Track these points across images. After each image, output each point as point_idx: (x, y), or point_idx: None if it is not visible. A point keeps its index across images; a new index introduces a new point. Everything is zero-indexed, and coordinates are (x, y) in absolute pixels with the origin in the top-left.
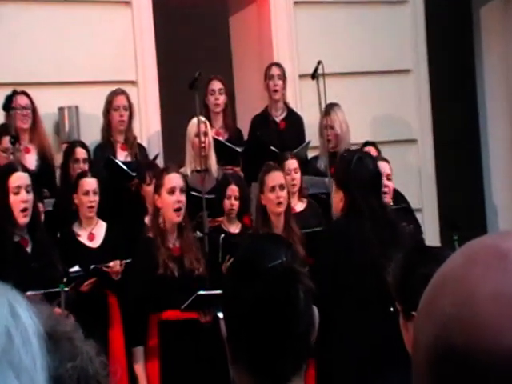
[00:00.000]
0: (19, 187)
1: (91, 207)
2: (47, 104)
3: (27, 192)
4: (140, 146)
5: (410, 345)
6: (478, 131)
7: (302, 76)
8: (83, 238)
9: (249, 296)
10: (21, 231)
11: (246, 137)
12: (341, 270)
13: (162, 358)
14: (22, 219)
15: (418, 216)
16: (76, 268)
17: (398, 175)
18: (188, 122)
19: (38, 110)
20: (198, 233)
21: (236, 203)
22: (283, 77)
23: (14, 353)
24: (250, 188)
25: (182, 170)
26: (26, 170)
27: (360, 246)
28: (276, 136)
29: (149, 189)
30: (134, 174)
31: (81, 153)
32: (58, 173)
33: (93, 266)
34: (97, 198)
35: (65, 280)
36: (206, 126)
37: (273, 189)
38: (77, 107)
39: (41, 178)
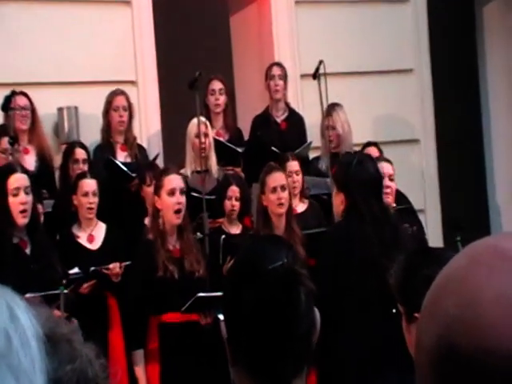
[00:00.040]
0: (18, 189)
1: (91, 208)
2: (46, 104)
3: (26, 193)
4: (140, 147)
5: (413, 347)
6: (480, 131)
7: (303, 76)
8: (83, 240)
9: (250, 298)
10: (20, 233)
11: (246, 137)
12: (341, 271)
13: (163, 360)
14: (21, 220)
15: (421, 217)
16: (75, 270)
17: (401, 176)
18: (188, 123)
19: (37, 110)
20: (199, 234)
21: (237, 204)
22: (284, 77)
23: (13, 355)
24: (251, 189)
25: (182, 170)
26: (25, 171)
27: (361, 247)
28: (277, 136)
29: (149, 190)
30: (133, 175)
31: (80, 153)
32: (57, 174)
33: (92, 268)
34: (96, 199)
35: (64, 282)
36: (206, 127)
37: (274, 189)
38: (76, 107)
39: (40, 179)
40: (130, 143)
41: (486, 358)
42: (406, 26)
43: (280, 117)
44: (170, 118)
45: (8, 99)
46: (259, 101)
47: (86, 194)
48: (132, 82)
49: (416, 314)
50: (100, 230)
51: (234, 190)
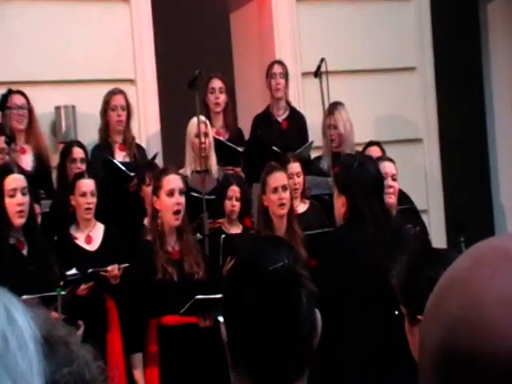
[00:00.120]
0: (15, 190)
1: (88, 209)
2: (43, 103)
3: (23, 194)
4: (139, 147)
5: (415, 349)
6: (485, 130)
7: (304, 74)
8: (80, 241)
9: (250, 299)
10: (17, 233)
11: (247, 137)
12: (343, 273)
13: (162, 363)
14: (18, 220)
15: (424, 217)
16: (73, 271)
17: (404, 176)
18: (188, 122)
19: (34, 109)
20: (198, 235)
21: (237, 204)
22: (285, 75)
23: (10, 357)
24: (251, 189)
25: (181, 170)
26: (21, 171)
27: (362, 249)
28: (278, 136)
29: (148, 190)
30: (132, 175)
31: (78, 152)
32: (54, 174)
33: (90, 270)
34: (94, 199)
35: (62, 283)
36: (206, 126)
37: (275, 190)
38: (74, 106)
39: (37, 179)
40: (129, 143)
41: (489, 360)
42: (408, 23)
43: (281, 116)
44: (169, 118)
45: (4, 98)
46: (260, 99)
47: (83, 194)
48: (131, 81)
49: (419, 316)
50: (98, 231)
51: (234, 190)
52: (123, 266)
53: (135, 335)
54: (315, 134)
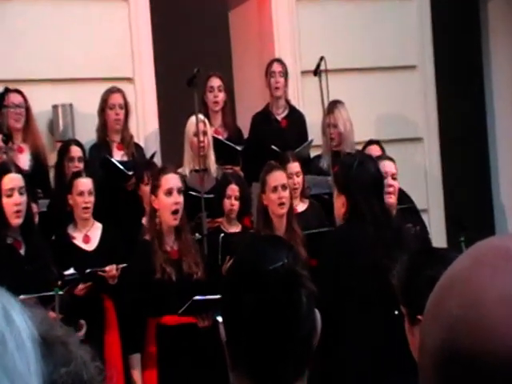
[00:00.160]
0: (12, 189)
1: (86, 208)
2: (40, 102)
3: (20, 194)
4: (137, 146)
5: (416, 349)
6: (485, 129)
7: (303, 72)
8: (78, 241)
9: (249, 299)
10: (14, 233)
11: (246, 135)
12: (343, 273)
13: (160, 364)
14: (15, 220)
15: (424, 216)
16: (71, 271)
17: (403, 175)
18: (186, 121)
19: (31, 108)
20: (197, 235)
21: (236, 203)
22: (285, 73)
23: (8, 357)
24: (251, 188)
25: (180, 169)
26: (19, 170)
27: (362, 248)
28: (277, 134)
29: (147, 189)
30: (130, 174)
31: (76, 151)
32: (52, 173)
33: (88, 270)
34: (92, 198)
35: (59, 283)
36: (205, 125)
37: (275, 189)
38: (71, 105)
39: (34, 179)
40: (127, 142)
41: (490, 359)
42: (409, 21)
43: (280, 114)
44: (167, 116)
45: (1, 96)
46: (259, 98)
47: (81, 194)
48: (129, 79)
49: (419, 316)
50: (96, 231)
51: (233, 189)
52: (121, 266)
53: (133, 335)
54: (315, 133)
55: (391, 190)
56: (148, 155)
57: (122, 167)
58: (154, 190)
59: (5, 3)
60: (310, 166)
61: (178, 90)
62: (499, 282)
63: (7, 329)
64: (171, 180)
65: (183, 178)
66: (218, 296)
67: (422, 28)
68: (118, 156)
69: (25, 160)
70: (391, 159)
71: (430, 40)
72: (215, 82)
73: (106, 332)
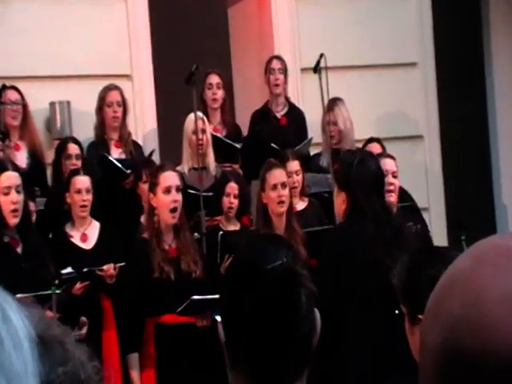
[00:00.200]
0: (9, 188)
1: (84, 206)
2: (38, 99)
3: (17, 192)
4: (135, 144)
5: (416, 348)
6: (486, 127)
7: (303, 70)
8: (76, 239)
9: (249, 298)
10: (11, 231)
11: (245, 133)
12: (342, 272)
13: (159, 363)
14: (12, 220)
15: (425, 215)
16: (68, 269)
17: (404, 173)
18: (185, 118)
19: (28, 105)
20: (196, 235)
21: (235, 201)
22: (284, 70)
23: (4, 356)
24: (250, 186)
25: (179, 167)
26: (16, 168)
27: (362, 248)
28: (277, 132)
29: (145, 187)
30: (128, 172)
31: (73, 149)
32: (49, 171)
33: (85, 270)
34: (90, 196)
35: (56, 282)
36: (203, 123)
37: (274, 187)
38: (69, 102)
39: (32, 177)
40: (125, 140)
41: (492, 359)
42: (409, 18)
43: (280, 112)
44: (166, 114)
45: None
46: (258, 95)
47: (79, 192)
48: (127, 76)
49: (419, 316)
50: (94, 229)
51: (232, 187)
52: (119, 265)
53: (131, 335)
54: (314, 131)
55: (392, 188)
56: (146, 153)
57: (119, 165)
58: (153, 187)
59: (4, 1)
60: (309, 164)
61: (177, 87)
62: (501, 280)
63: (4, 328)
64: (170, 178)
65: (181, 175)
66: (216, 296)
67: (423, 25)
68: (116, 154)
69: (22, 158)
70: (392, 157)
71: (431, 37)
72: (214, 79)
73: (103, 331)
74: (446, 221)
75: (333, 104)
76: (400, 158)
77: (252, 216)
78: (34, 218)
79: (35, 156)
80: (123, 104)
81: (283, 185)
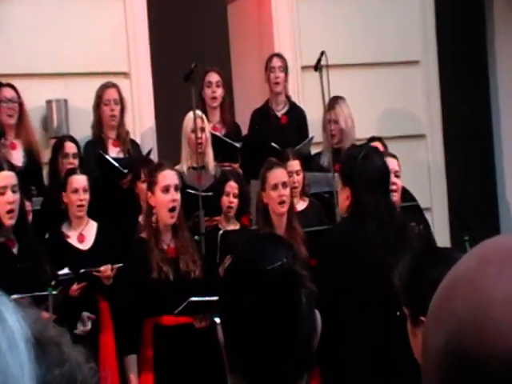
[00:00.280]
0: (5, 187)
1: (81, 206)
2: (34, 97)
3: (13, 192)
4: (133, 142)
5: (418, 351)
6: (490, 125)
7: (304, 68)
8: (73, 240)
9: (248, 300)
10: (6, 232)
11: (245, 132)
12: (341, 273)
13: (157, 366)
14: (8, 221)
15: (427, 215)
16: (65, 270)
17: (406, 172)
18: (183, 117)
19: (24, 103)
20: (196, 237)
21: (235, 201)
22: (285, 68)
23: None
24: (249, 186)
25: (177, 166)
26: (12, 167)
27: (363, 248)
28: (277, 131)
29: (143, 186)
30: (125, 171)
31: (70, 147)
32: (46, 170)
33: (82, 271)
34: (87, 196)
35: (53, 283)
36: (202, 121)
37: (275, 186)
38: (65, 100)
39: (28, 176)
40: (123, 138)
41: (496, 362)
42: (412, 15)
43: (280, 110)
44: (164, 112)
45: None
46: (258, 94)
47: (75, 191)
48: (124, 74)
49: (422, 318)
50: (91, 229)
51: (232, 186)
52: (116, 266)
53: (129, 336)
54: (315, 130)
55: (394, 187)
56: (144, 152)
57: (116, 164)
58: (151, 186)
59: (4, 2)
60: (310, 163)
61: (175, 85)
62: (505, 281)
63: None
64: (168, 177)
65: (180, 174)
66: (214, 297)
67: (425, 22)
68: (113, 153)
69: (18, 156)
70: (394, 156)
71: (434, 34)
72: (213, 77)
73: (100, 333)
74: (449, 221)
75: (334, 102)
76: (402, 157)
77: (251, 216)
78: (30, 217)
79: (31, 155)
80: (121, 102)
81: (284, 184)
